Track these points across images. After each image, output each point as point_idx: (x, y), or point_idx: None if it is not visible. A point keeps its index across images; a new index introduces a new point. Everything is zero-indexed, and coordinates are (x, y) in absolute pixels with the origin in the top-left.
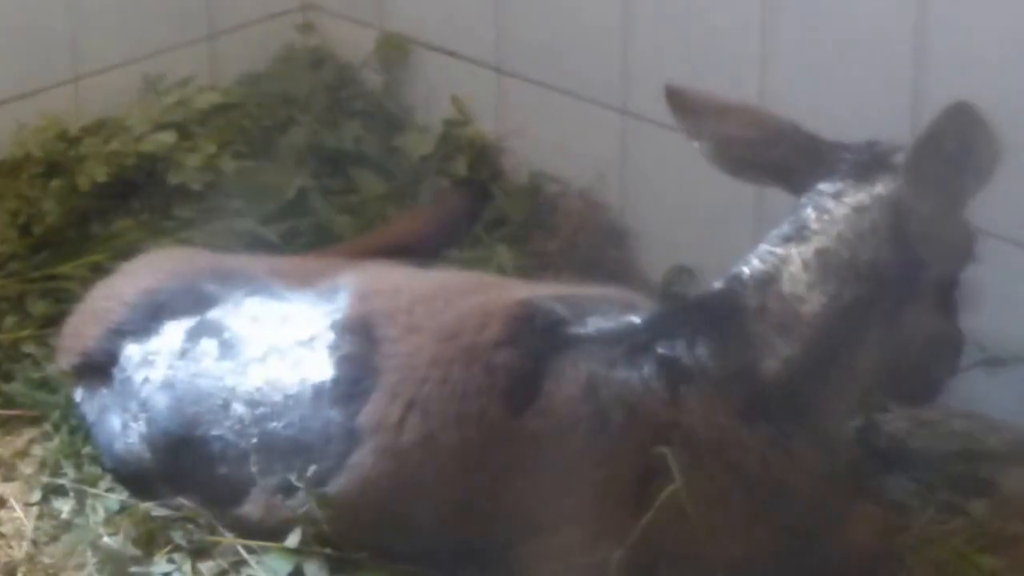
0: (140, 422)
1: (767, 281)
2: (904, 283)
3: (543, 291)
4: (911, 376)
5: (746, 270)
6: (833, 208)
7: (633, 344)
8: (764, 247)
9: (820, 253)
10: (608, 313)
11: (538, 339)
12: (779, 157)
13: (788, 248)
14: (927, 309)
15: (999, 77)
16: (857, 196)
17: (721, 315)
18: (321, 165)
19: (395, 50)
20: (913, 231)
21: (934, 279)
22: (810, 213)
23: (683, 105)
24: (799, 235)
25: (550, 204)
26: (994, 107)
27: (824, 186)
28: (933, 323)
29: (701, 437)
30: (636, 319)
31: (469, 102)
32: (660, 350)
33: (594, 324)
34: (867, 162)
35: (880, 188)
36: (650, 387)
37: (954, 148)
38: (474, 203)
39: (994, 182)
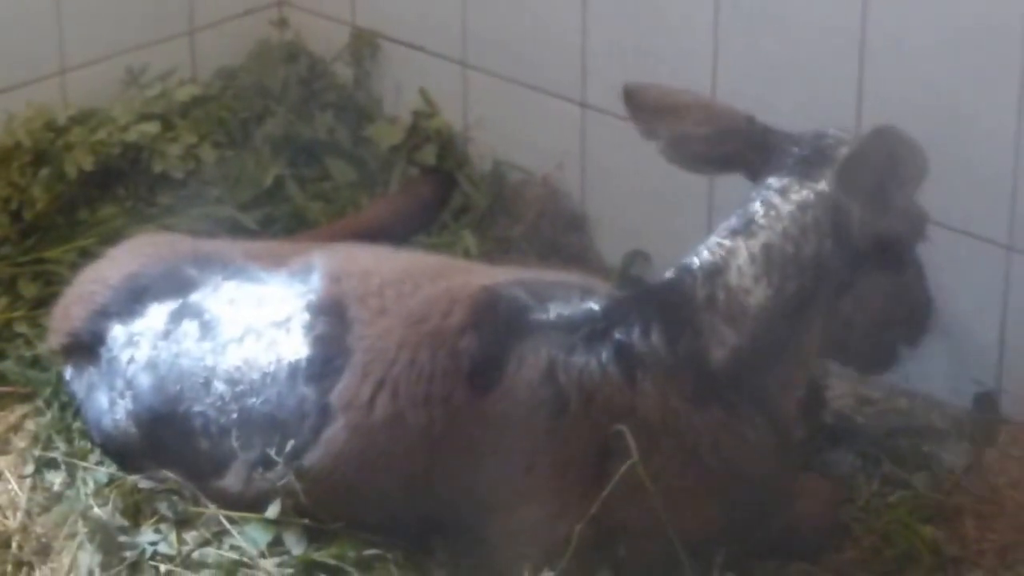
0: (126, 399)
1: (715, 272)
2: (847, 272)
3: (506, 276)
4: (869, 349)
5: (696, 261)
6: (779, 204)
7: (591, 331)
8: (714, 239)
9: (766, 247)
10: (568, 298)
11: (501, 325)
12: (732, 151)
13: (736, 241)
14: (875, 292)
15: (937, 71)
16: (801, 193)
17: (673, 304)
18: (296, 154)
19: (366, 45)
20: (851, 227)
21: (881, 264)
22: (758, 208)
23: (639, 105)
24: (747, 229)
25: (513, 191)
26: (931, 99)
27: (772, 180)
28: (884, 302)
29: (655, 421)
30: (594, 306)
31: (436, 94)
32: (616, 337)
33: (554, 310)
34: (812, 157)
35: (823, 185)
36: (607, 372)
37: (881, 165)
38: (441, 190)
39: (931, 172)
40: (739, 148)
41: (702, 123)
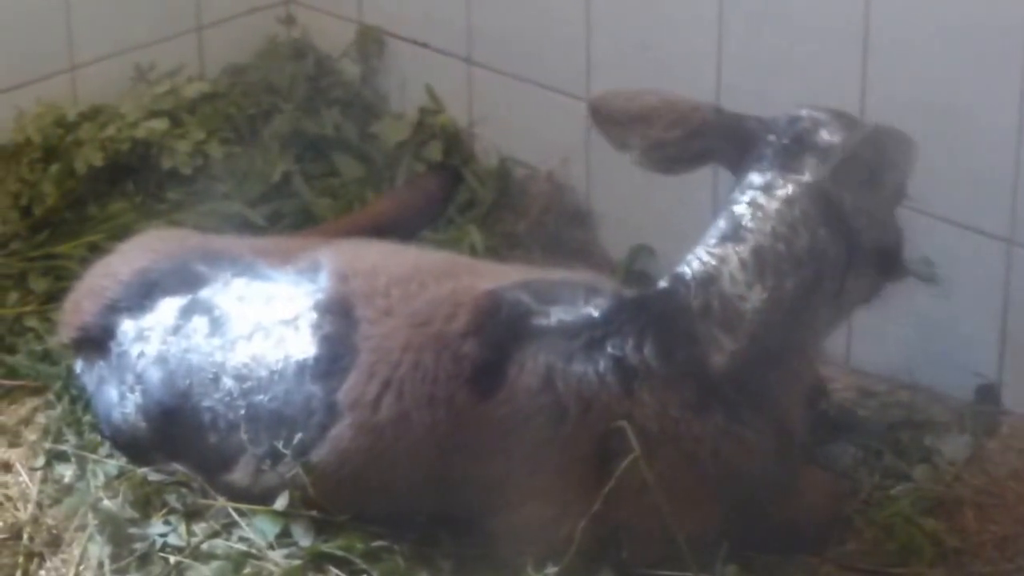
0: (136, 393)
1: (708, 281)
2: (848, 253)
3: (512, 276)
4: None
5: (688, 271)
6: (765, 203)
7: (590, 338)
8: (703, 248)
9: (756, 251)
10: (572, 301)
11: (502, 330)
12: (706, 147)
13: (726, 248)
14: (875, 260)
15: (939, 66)
16: (787, 188)
17: (668, 314)
18: (303, 150)
19: (372, 42)
20: (844, 211)
21: (871, 239)
22: (744, 211)
23: (607, 118)
24: (735, 234)
25: (518, 187)
26: (933, 93)
27: (754, 177)
28: (874, 271)
29: (654, 429)
30: (594, 312)
31: (442, 91)
32: (612, 346)
33: (556, 315)
34: (791, 147)
35: (807, 176)
36: (604, 382)
37: (875, 164)
38: (447, 186)
39: (932, 167)
40: (712, 143)
41: (672, 126)
